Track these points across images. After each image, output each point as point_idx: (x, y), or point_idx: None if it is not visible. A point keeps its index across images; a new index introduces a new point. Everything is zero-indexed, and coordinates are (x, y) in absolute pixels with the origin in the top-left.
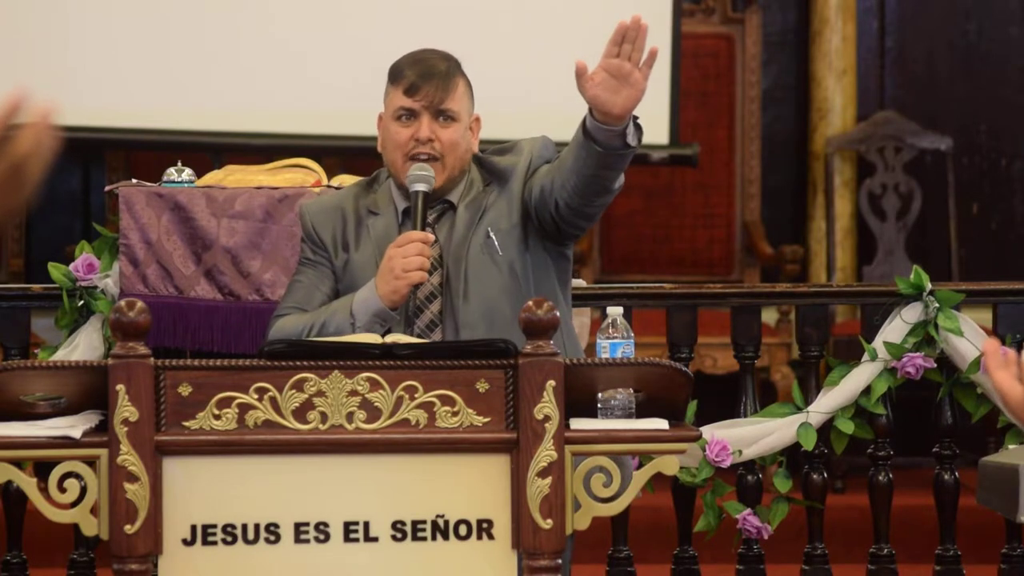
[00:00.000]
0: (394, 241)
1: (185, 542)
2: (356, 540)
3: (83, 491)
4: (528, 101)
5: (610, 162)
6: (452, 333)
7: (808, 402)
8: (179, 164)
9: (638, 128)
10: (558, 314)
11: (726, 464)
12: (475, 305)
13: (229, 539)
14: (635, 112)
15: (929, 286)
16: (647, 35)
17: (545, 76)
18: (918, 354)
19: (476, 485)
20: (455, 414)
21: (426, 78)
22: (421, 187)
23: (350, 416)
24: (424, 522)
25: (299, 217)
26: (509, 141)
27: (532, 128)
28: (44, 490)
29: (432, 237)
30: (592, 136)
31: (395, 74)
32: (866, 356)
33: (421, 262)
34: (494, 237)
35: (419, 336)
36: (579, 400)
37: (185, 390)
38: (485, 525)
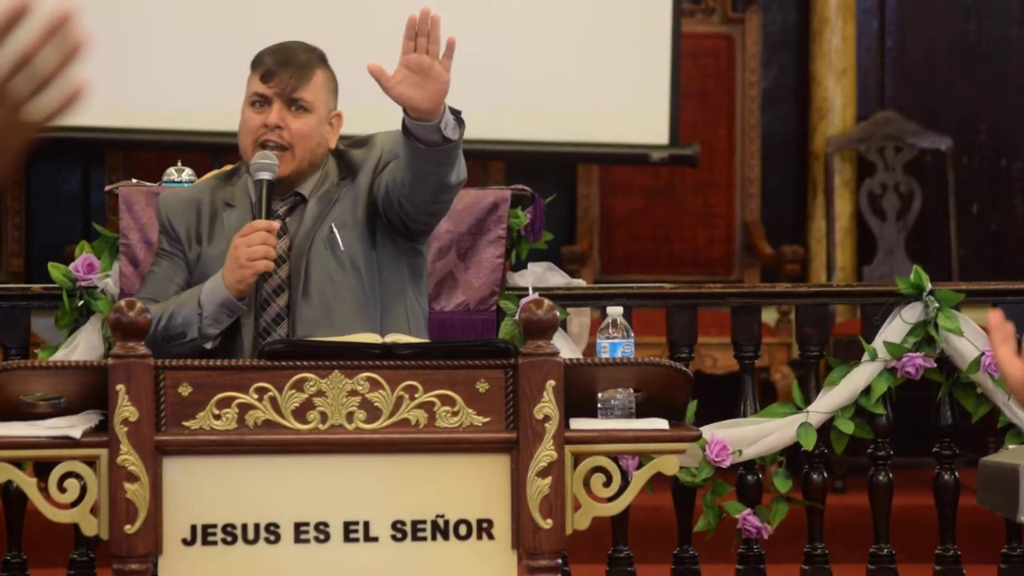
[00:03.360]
0: (240, 231)
1: (185, 542)
2: (356, 540)
3: (83, 491)
4: (527, 101)
5: (435, 158)
6: (294, 328)
7: (808, 402)
8: (179, 164)
9: (460, 122)
10: (557, 314)
11: (726, 464)
12: (315, 301)
13: (229, 539)
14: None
15: (929, 286)
16: (440, 26)
17: (544, 76)
18: (918, 354)
19: (476, 485)
20: (455, 414)
21: (282, 65)
22: (265, 175)
23: (350, 416)
24: (424, 522)
25: (156, 209)
26: (366, 135)
27: (526, 128)
28: (44, 490)
29: (277, 225)
30: (411, 133)
31: (255, 61)
32: (866, 356)
33: (266, 251)
34: (337, 232)
35: (265, 329)
36: (579, 400)
37: (185, 390)
38: (485, 525)
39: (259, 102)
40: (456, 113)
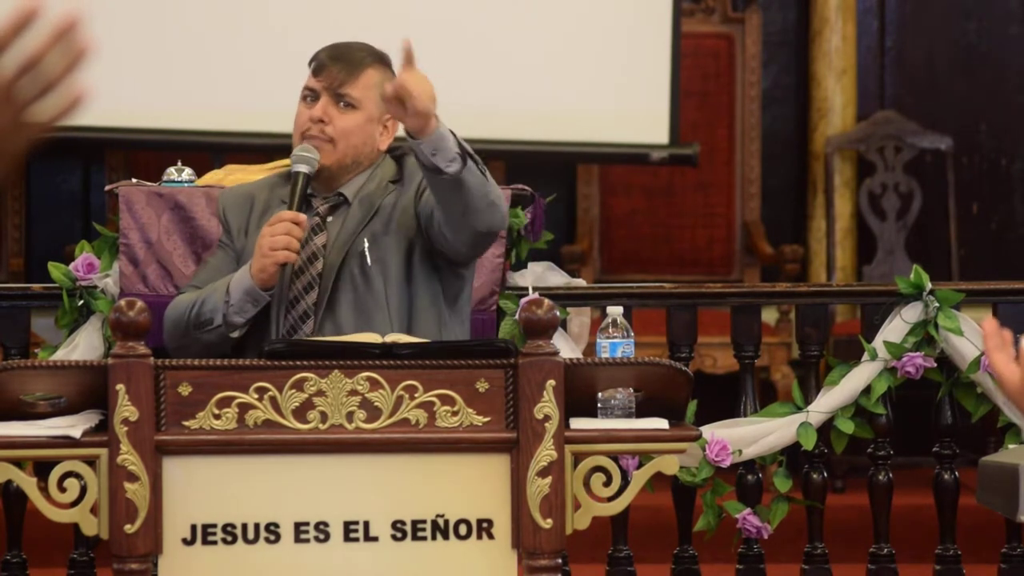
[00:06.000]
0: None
1: (185, 542)
2: (356, 540)
3: (83, 491)
4: (528, 101)
5: (438, 185)
6: (320, 328)
7: (808, 402)
8: (179, 164)
9: (471, 162)
10: (557, 314)
11: (726, 464)
12: (338, 310)
13: (229, 539)
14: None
15: (929, 286)
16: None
17: (544, 76)
18: (918, 354)
19: (476, 485)
20: (455, 414)
21: (333, 60)
22: (302, 168)
23: (350, 416)
24: (424, 522)
25: (216, 204)
26: None
27: (526, 128)
28: (44, 490)
29: (304, 218)
30: (416, 154)
31: (312, 57)
32: (866, 356)
33: (288, 242)
34: (368, 246)
35: (292, 325)
36: (579, 400)
37: (185, 390)
38: (485, 525)
39: (309, 96)
40: (471, 156)
